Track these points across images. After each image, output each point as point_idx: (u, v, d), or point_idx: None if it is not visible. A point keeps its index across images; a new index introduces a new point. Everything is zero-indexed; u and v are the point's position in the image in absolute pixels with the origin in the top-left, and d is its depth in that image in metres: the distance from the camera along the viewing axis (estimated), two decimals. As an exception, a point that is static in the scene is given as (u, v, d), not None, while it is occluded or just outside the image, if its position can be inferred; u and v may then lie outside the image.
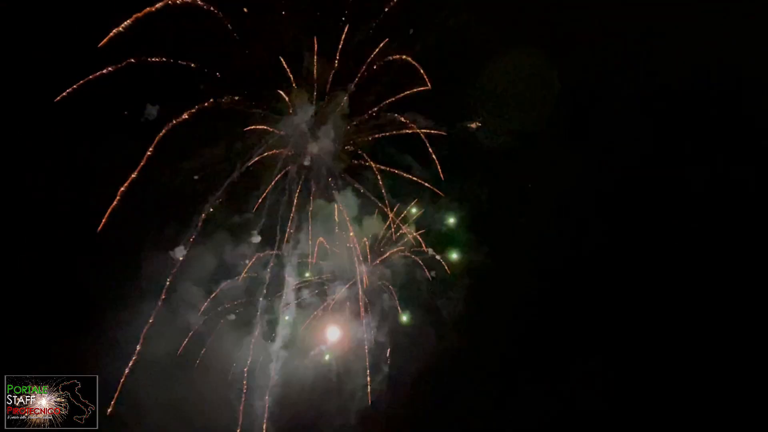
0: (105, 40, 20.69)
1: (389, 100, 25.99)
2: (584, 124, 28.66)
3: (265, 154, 25.19)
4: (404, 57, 25.24)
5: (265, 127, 25.07)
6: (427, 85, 25.19)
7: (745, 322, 27.62)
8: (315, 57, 25.19)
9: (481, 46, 26.65)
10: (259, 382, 25.50)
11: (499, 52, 26.90)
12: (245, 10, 24.06)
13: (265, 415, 24.67)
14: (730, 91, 27.81)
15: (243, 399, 25.21)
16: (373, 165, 26.25)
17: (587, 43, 27.61)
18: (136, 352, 22.99)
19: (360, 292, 26.71)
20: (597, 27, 27.45)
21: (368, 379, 26.75)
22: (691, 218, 28.49)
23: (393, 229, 27.30)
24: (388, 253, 27.60)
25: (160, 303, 23.44)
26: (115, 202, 21.72)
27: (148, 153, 21.49)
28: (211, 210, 24.29)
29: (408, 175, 26.66)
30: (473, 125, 26.59)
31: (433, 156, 25.93)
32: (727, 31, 27.13)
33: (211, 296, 25.34)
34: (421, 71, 25.07)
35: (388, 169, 26.47)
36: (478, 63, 27.10)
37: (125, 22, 20.82)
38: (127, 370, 22.71)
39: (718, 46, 27.07)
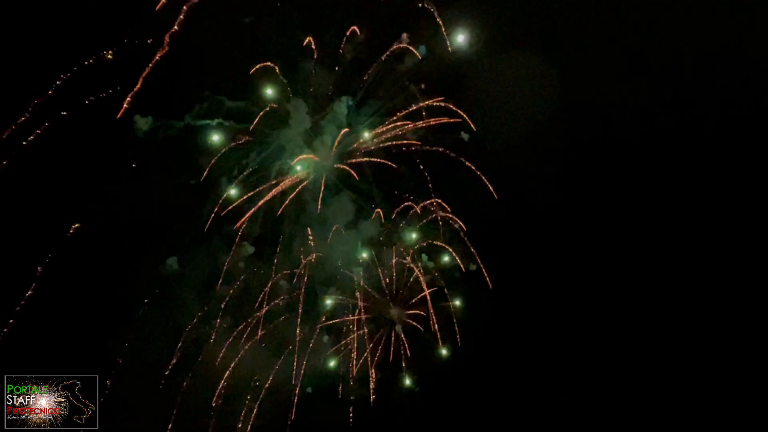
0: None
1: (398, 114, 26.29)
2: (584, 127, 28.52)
3: (262, 163, 25.65)
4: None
5: (261, 138, 25.48)
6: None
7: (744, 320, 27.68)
8: (313, 66, 25.55)
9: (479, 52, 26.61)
10: (254, 386, 26.06)
11: (497, 56, 26.86)
12: (246, 20, 24.53)
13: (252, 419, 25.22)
14: (731, 90, 27.40)
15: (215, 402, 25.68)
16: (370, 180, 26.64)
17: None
18: (132, 355, 23.67)
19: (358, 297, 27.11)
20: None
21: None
22: (690, 219, 28.29)
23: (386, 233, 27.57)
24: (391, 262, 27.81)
25: (155, 308, 24.09)
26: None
27: (133, 165, 21.98)
28: (206, 221, 24.75)
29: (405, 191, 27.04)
30: (465, 136, 26.62)
31: (426, 173, 26.44)
32: (729, 30, 26.83)
33: (207, 304, 25.80)
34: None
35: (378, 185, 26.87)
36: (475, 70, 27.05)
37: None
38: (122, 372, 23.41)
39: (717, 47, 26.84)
